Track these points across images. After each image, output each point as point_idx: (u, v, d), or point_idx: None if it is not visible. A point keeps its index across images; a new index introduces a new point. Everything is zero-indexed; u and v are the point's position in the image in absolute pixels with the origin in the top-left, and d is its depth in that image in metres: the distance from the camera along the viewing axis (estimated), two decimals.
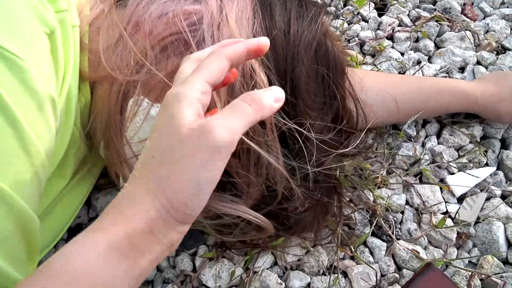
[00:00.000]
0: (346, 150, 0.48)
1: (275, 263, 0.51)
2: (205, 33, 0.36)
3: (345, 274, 0.51)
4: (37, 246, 0.31)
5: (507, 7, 0.80)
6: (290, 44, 0.39)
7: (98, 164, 0.47)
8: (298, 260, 0.51)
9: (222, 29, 0.36)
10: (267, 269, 0.50)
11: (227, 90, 0.36)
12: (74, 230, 0.52)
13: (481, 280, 0.51)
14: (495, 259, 0.52)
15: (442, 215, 0.54)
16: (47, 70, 0.29)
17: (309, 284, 0.49)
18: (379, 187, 0.56)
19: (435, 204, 0.55)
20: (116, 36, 0.36)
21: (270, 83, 0.39)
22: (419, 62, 0.70)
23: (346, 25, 0.74)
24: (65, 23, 0.32)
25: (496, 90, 0.59)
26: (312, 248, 0.51)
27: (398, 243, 0.52)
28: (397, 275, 0.50)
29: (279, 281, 0.49)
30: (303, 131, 0.39)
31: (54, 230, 0.44)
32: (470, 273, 0.50)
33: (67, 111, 0.34)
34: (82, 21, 0.36)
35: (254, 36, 0.38)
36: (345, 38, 0.73)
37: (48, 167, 0.31)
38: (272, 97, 0.29)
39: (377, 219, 0.53)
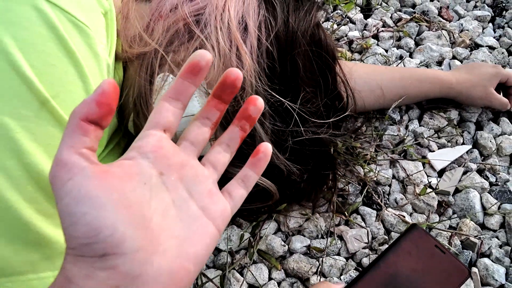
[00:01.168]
0: (339, 133, 0.55)
1: (279, 229, 0.57)
2: (207, 20, 0.43)
3: (340, 238, 0.57)
4: None
5: (479, 10, 0.89)
6: (289, 31, 0.47)
7: (124, 139, 0.53)
8: (299, 226, 0.57)
9: (224, 17, 0.43)
10: (272, 234, 0.56)
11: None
12: None
13: (461, 242, 0.58)
14: (473, 222, 0.59)
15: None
16: (105, 40, 0.36)
17: (309, 246, 0.55)
18: (368, 164, 0.63)
19: (417, 172, 0.62)
20: (144, 25, 0.44)
21: (274, 65, 0.46)
22: (401, 57, 0.78)
23: (335, 26, 0.82)
24: (112, 9, 0.39)
25: (469, 78, 0.67)
26: (311, 215, 0.57)
27: (386, 210, 0.59)
28: (386, 237, 0.57)
29: (283, 243, 0.55)
30: (295, 106, 0.46)
31: None
32: (450, 233, 0.57)
33: None
34: (116, 10, 0.43)
35: (260, 24, 0.45)
36: (335, 38, 0.81)
37: None
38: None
39: (366, 188, 0.60)
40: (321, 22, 0.52)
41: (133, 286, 0.24)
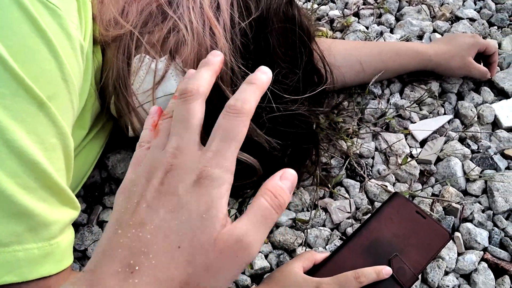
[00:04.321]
0: (318, 109, 0.56)
1: None
2: (180, 0, 0.44)
3: (325, 210, 0.58)
4: (72, 162, 0.38)
5: None
6: (261, 8, 0.47)
7: (109, 123, 0.55)
8: None
9: None
10: None
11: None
12: (89, 188, 0.59)
13: (443, 208, 0.59)
14: (454, 189, 0.60)
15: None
16: (76, 21, 0.37)
17: (294, 219, 0.57)
18: (351, 137, 0.64)
19: (397, 142, 0.63)
20: (119, 9, 0.45)
21: (247, 42, 0.47)
22: (381, 33, 0.78)
23: (315, 6, 0.83)
24: None
25: (447, 48, 0.68)
26: (296, 189, 0.58)
27: (369, 181, 0.60)
28: (370, 207, 0.58)
29: None
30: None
31: (74, 181, 0.52)
32: (432, 200, 0.58)
33: (85, 69, 0.42)
34: None
35: (232, 2, 0.46)
36: (316, 17, 0.82)
37: (77, 103, 0.39)
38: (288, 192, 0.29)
39: (348, 160, 0.61)
40: None
41: None
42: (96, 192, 0.59)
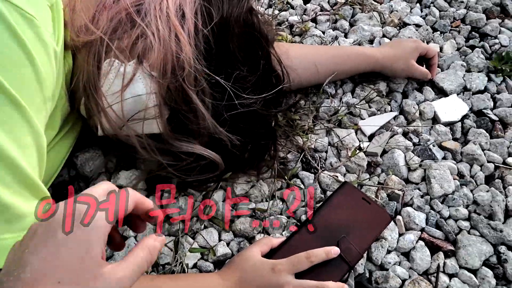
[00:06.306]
0: (276, 108, 0.62)
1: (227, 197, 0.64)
2: (147, 10, 0.48)
3: (282, 200, 0.64)
4: (44, 160, 0.42)
5: None
6: (223, 16, 0.52)
7: (79, 123, 0.58)
8: (245, 193, 0.64)
9: (162, 6, 0.49)
10: (221, 202, 0.63)
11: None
12: (57, 187, 0.63)
13: (387, 195, 0.66)
14: (397, 177, 0.67)
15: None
16: (51, 29, 0.41)
17: (254, 209, 0.62)
18: (306, 133, 0.70)
19: (346, 136, 0.69)
20: (90, 16, 0.49)
21: (210, 47, 0.51)
22: (336, 38, 0.85)
23: (277, 12, 0.89)
24: (58, 2, 0.44)
25: (392, 52, 0.75)
26: (256, 182, 0.64)
27: (322, 172, 0.66)
28: (322, 196, 0.64)
29: (231, 208, 0.62)
30: (228, 83, 0.52)
31: (44, 180, 0.55)
32: (377, 188, 0.65)
33: (57, 73, 0.46)
34: (64, 3, 0.48)
35: (196, 11, 0.51)
36: (277, 22, 0.88)
37: (50, 105, 0.43)
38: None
39: (303, 154, 0.67)
40: (254, 6, 0.58)
41: None
42: (64, 191, 0.63)
